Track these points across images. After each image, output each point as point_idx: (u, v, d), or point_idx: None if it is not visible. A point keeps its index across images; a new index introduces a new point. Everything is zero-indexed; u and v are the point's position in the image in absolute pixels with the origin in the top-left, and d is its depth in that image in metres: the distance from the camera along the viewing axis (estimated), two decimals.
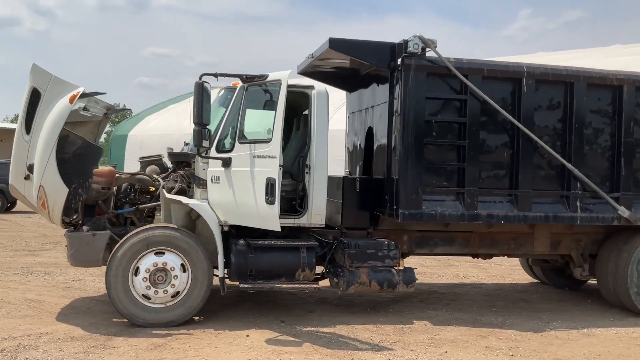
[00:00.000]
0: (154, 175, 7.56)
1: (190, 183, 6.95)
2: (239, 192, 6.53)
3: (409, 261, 11.24)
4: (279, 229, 6.51)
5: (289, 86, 7.16)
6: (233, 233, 7.05)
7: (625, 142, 7.69)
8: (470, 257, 8.74)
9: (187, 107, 28.98)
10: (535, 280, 10.09)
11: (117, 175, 7.24)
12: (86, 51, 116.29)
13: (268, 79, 6.56)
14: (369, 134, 8.32)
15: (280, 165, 6.42)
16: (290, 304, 7.87)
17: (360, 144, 8.75)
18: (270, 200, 6.35)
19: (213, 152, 6.73)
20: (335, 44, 7.21)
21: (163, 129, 25.35)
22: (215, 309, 7.48)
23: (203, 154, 6.60)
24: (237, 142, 6.60)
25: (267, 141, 6.46)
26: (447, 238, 7.99)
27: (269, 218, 6.42)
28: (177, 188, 6.93)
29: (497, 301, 8.54)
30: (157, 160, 7.95)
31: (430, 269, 11.19)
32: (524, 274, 10.31)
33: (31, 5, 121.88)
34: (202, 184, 6.82)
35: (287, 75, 6.45)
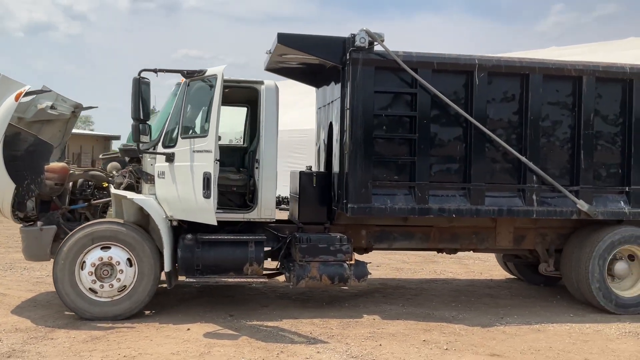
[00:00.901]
0: (114, 172, 7.69)
1: (139, 178, 7.05)
2: (181, 186, 6.60)
3: (393, 257, 11.37)
4: (215, 223, 6.56)
5: (237, 82, 7.26)
6: (185, 228, 7.14)
7: (585, 134, 7.54)
8: (453, 254, 8.65)
9: None
10: (512, 277, 9.96)
11: (70, 171, 7.38)
12: (119, 54, 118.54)
13: (206, 74, 6.62)
14: (330, 129, 8.33)
15: (216, 160, 6.46)
16: (248, 299, 7.92)
17: (324, 140, 8.76)
18: (206, 195, 6.40)
19: (160, 148, 6.82)
20: (284, 39, 7.24)
21: None
22: (172, 303, 7.60)
23: (143, 149, 6.69)
24: (179, 137, 6.68)
25: (204, 136, 6.51)
26: (407, 233, 7.94)
27: (206, 212, 6.48)
28: (126, 183, 7.04)
29: (462, 296, 8.45)
30: (118, 157, 8.08)
31: (410, 265, 11.13)
32: (504, 271, 10.17)
33: (66, 10, 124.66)
34: (150, 179, 6.91)
35: (222, 70, 6.49)
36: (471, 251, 8.50)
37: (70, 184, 7.46)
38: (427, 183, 7.27)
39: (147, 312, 7.06)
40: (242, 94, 7.81)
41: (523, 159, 7.37)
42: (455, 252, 8.51)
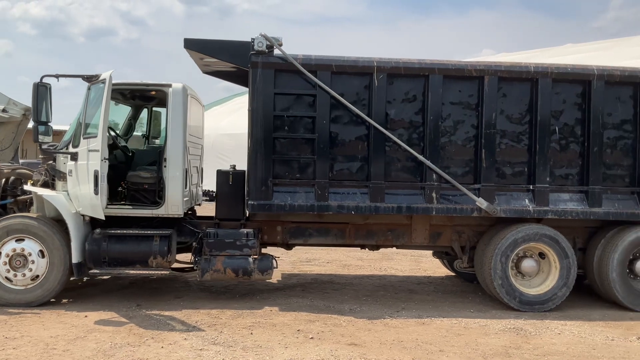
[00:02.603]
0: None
1: (54, 176, 7.58)
2: (81, 184, 7.09)
3: (351, 254, 11.61)
4: (103, 218, 7.04)
5: (147, 85, 7.73)
6: (102, 223, 7.64)
7: (487, 133, 7.66)
8: (376, 250, 8.88)
9: (225, 109, 30.08)
10: (452, 274, 10.08)
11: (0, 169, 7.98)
12: (175, 57, 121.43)
13: (100, 78, 7.08)
14: None
15: (105, 159, 6.92)
16: (169, 291, 8.35)
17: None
18: (95, 191, 6.88)
19: (71, 147, 7.34)
20: (190, 44, 7.65)
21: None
22: (95, 293, 8.14)
23: (45, 149, 7.22)
24: (81, 138, 7.18)
25: (95, 136, 6.98)
26: (322, 229, 8.22)
27: (97, 207, 6.95)
28: (42, 181, 7.59)
29: (380, 291, 8.68)
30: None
31: (364, 262, 11.36)
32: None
33: (124, 15, 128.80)
34: (62, 176, 7.44)
35: (109, 74, 6.94)
36: (390, 248, 8.70)
37: (3, 180, 8.06)
38: (326, 181, 7.54)
39: (64, 300, 7.60)
40: (164, 96, 8.23)
41: (421, 157, 7.56)
42: (377, 248, 8.74)
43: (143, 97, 8.76)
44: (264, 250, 8.21)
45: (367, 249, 8.73)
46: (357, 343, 6.10)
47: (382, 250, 11.04)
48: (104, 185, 6.91)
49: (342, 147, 7.65)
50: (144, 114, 9.24)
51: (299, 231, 8.21)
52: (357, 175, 7.67)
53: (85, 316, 6.88)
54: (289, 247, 8.63)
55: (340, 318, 7.05)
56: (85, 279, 8.87)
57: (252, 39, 7.41)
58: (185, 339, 6.11)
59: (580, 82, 7.80)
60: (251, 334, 6.33)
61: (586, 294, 8.42)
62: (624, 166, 7.92)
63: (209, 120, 13.58)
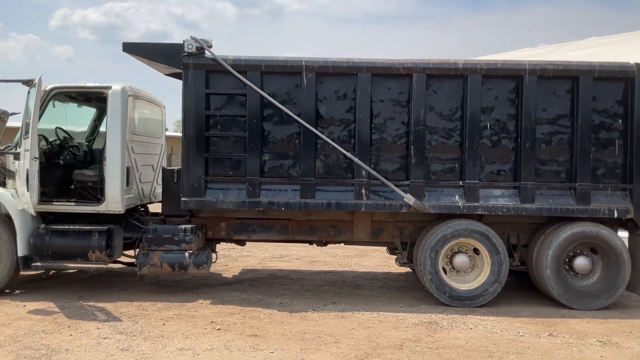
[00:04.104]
0: None
1: (5, 175, 8.07)
2: (21, 181, 7.55)
3: (327, 251, 11.77)
4: (34, 214, 7.47)
5: (88, 87, 8.14)
6: (51, 219, 8.11)
7: (415, 130, 7.73)
8: (324, 246, 9.06)
9: None
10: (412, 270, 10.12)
11: None
12: None
13: (34, 82, 7.50)
14: None
15: (35, 158, 7.35)
16: (118, 284, 8.74)
17: None
18: (27, 189, 7.32)
19: (17, 148, 7.81)
20: (128, 48, 7.99)
21: None
22: (50, 284, 8.62)
23: None
24: (22, 139, 7.63)
25: (27, 137, 7.41)
26: (265, 225, 8.44)
27: (28, 204, 7.39)
28: None
29: (325, 287, 8.84)
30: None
31: (337, 258, 11.51)
32: None
33: (179, 19, 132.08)
34: (11, 175, 7.92)
35: (38, 78, 7.36)
36: (334, 244, 8.85)
37: None
38: (258, 178, 7.77)
39: (17, 291, 8.09)
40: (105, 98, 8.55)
41: (348, 154, 7.69)
42: (324, 244, 8.91)
43: (100, 99, 9.16)
44: (219, 247, 8.48)
45: (313, 244, 8.91)
46: (260, 334, 6.31)
47: (360, 247, 11.27)
48: (34, 182, 7.34)
49: (274, 145, 7.85)
50: None
51: (243, 227, 8.45)
52: (289, 173, 7.86)
53: (24, 306, 7.32)
54: (240, 243, 8.90)
55: (263, 311, 7.27)
56: (51, 272, 9.40)
57: (183, 41, 7.70)
58: (98, 328, 6.46)
59: (512, 78, 7.77)
60: (164, 324, 6.63)
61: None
62: (560, 162, 7.84)
63: None
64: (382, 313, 7.30)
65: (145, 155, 8.80)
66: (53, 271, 9.45)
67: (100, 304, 7.48)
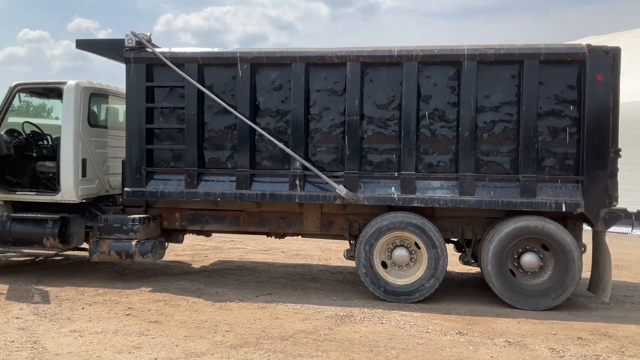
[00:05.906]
0: None
1: None
2: None
3: (318, 245, 11.76)
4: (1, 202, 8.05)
5: (47, 83, 8.61)
6: (20, 207, 8.67)
7: (349, 120, 7.56)
8: (282, 238, 9.07)
9: None
10: None
11: None
12: None
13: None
14: None
15: None
16: (87, 270, 9.16)
17: None
18: None
19: None
20: (80, 44, 8.37)
21: None
22: (26, 269, 9.16)
23: None
24: None
25: None
26: (218, 216, 8.57)
27: None
28: None
29: (280, 279, 8.83)
30: None
31: (324, 252, 11.46)
32: None
33: (275, 21, 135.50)
34: None
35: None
36: (287, 236, 8.84)
37: None
38: (195, 169, 7.90)
39: None
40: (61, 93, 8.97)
41: (281, 145, 7.65)
42: (283, 236, 8.92)
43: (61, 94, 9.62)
44: (217, 237, 8.63)
45: (272, 237, 8.93)
46: (161, 321, 6.42)
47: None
48: None
49: (212, 137, 7.95)
50: None
51: (196, 218, 8.61)
52: (226, 164, 7.93)
53: None
54: (204, 234, 9.14)
55: (189, 300, 7.39)
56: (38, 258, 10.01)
57: (125, 35, 7.97)
58: (21, 309, 6.83)
59: (451, 64, 7.41)
60: (82, 308, 6.90)
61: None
62: (504, 152, 7.40)
63: None
64: (305, 305, 7.21)
65: (114, 148, 9.15)
66: (57, 257, 10.06)
67: (48, 288, 7.88)
